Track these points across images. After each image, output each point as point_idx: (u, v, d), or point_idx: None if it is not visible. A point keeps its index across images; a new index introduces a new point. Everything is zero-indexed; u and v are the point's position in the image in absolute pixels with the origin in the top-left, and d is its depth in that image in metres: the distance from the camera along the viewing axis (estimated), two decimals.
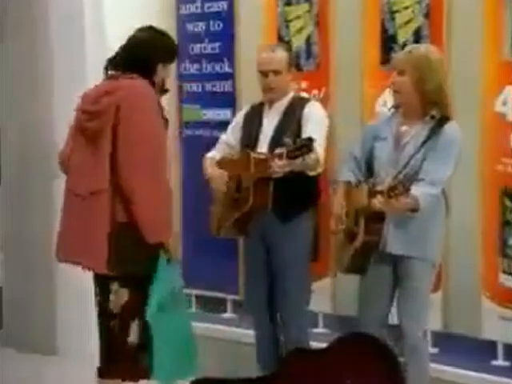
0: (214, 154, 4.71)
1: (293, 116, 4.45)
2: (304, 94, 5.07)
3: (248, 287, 4.73)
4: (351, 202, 4.14)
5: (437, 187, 3.93)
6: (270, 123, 4.52)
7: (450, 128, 3.99)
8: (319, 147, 4.21)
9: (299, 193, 4.40)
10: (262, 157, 4.33)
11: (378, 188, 3.91)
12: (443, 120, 4.00)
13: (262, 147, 4.47)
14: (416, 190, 3.84)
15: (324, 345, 4.63)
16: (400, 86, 4.04)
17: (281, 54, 4.47)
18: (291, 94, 4.56)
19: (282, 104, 4.52)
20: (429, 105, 4.00)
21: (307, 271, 4.59)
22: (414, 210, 3.91)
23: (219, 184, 4.50)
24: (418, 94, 3.99)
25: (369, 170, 4.20)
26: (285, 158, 4.02)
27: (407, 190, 3.76)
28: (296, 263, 4.49)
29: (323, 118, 4.47)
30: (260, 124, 4.54)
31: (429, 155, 3.93)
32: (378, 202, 3.88)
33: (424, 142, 3.95)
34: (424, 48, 4.13)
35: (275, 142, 4.39)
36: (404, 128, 4.07)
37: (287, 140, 4.09)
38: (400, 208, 3.88)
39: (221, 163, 4.63)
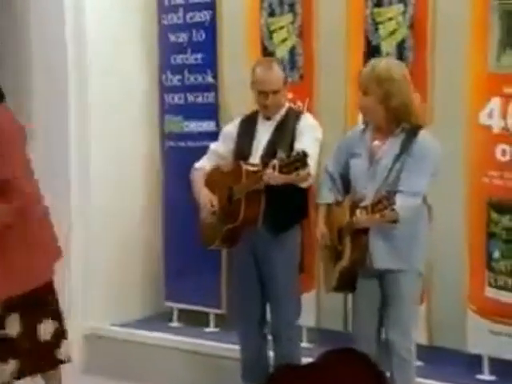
0: (203, 164, 4.64)
1: (286, 128, 4.41)
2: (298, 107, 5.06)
3: (239, 302, 4.65)
4: (334, 221, 4.12)
5: (416, 198, 3.93)
6: (263, 135, 4.47)
7: (423, 137, 4.00)
8: (311, 160, 4.16)
9: (290, 206, 4.36)
10: (254, 169, 4.29)
11: (362, 204, 3.90)
12: (415, 130, 4.00)
13: (255, 159, 4.42)
14: (396, 201, 3.82)
15: (309, 359, 4.56)
16: (366, 106, 4.04)
17: (278, 73, 4.43)
18: (286, 106, 4.52)
19: (276, 116, 4.48)
20: (397, 118, 4.01)
21: (297, 284, 4.54)
22: (394, 221, 3.91)
23: (206, 211, 4.46)
24: (384, 110, 3.99)
25: (345, 186, 4.19)
26: (277, 171, 3.97)
27: (392, 204, 3.75)
28: (286, 276, 4.44)
29: (316, 130, 4.43)
30: (253, 135, 4.50)
31: (405, 167, 3.93)
32: (361, 219, 3.87)
33: (398, 155, 3.96)
34: (385, 63, 4.09)
35: (268, 153, 4.35)
36: (376, 143, 4.07)
37: (281, 153, 4.05)
38: (382, 222, 3.88)
39: (211, 174, 4.57)
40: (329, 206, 4.18)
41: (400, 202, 3.82)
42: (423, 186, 3.95)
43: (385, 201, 3.74)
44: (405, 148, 3.95)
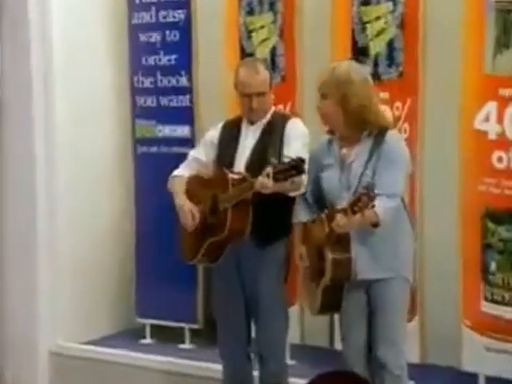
0: (182, 172, 4.40)
1: (273, 134, 4.21)
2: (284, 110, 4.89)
3: (221, 319, 4.39)
4: (312, 239, 3.99)
5: (394, 200, 3.83)
6: (248, 140, 4.26)
7: (391, 138, 3.92)
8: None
9: (279, 217, 4.14)
10: (241, 176, 4.07)
11: (339, 207, 3.77)
12: (382, 132, 3.92)
13: (239, 166, 4.19)
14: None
15: (293, 379, 4.47)
16: (325, 110, 3.94)
17: (264, 75, 4.23)
18: (271, 110, 4.29)
19: (262, 121, 4.26)
20: (357, 122, 3.91)
21: (284, 301, 4.32)
22: (375, 224, 3.79)
23: (188, 221, 4.21)
24: (342, 113, 3.90)
25: (319, 203, 4.06)
26: (271, 179, 3.77)
27: (372, 200, 3.61)
28: (273, 293, 4.22)
29: (305, 136, 4.23)
30: (237, 141, 4.28)
31: (377, 170, 3.84)
32: (341, 221, 3.71)
33: (368, 159, 3.88)
34: (346, 65, 4.00)
35: (254, 160, 4.15)
36: (345, 150, 3.97)
37: (273, 160, 3.84)
38: (364, 222, 3.74)
39: (191, 182, 4.33)
40: (305, 225, 4.05)
41: (379, 204, 3.70)
42: (399, 187, 3.88)
43: (364, 198, 3.61)
44: (374, 151, 3.88)
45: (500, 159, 4.40)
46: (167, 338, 5.55)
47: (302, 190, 4.02)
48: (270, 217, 4.10)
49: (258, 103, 4.17)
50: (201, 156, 4.38)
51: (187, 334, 5.49)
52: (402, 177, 3.88)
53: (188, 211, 4.20)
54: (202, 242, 4.17)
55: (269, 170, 3.78)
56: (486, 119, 4.42)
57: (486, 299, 4.47)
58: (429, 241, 4.67)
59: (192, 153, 4.46)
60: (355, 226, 3.77)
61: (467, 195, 4.53)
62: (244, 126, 4.28)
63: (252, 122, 4.26)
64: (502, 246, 4.42)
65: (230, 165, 4.19)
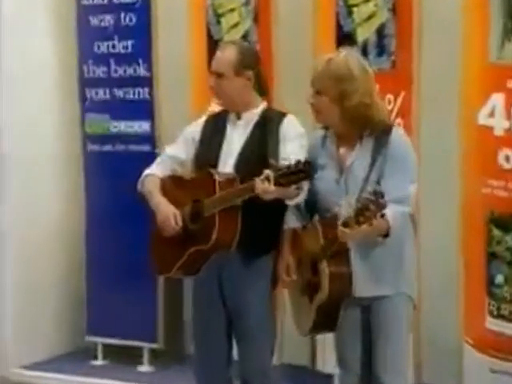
0: (155, 171, 3.95)
1: (268, 131, 3.80)
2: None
3: (199, 338, 3.95)
4: (304, 251, 3.66)
5: (405, 205, 3.50)
6: (236, 137, 3.85)
7: (396, 137, 3.59)
8: None
9: (269, 226, 3.73)
10: (230, 177, 3.66)
11: (342, 218, 3.40)
12: (385, 132, 3.59)
13: (225, 166, 3.77)
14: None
15: None
16: (319, 106, 3.60)
17: (228, 57, 3.83)
18: (262, 105, 3.89)
19: (251, 116, 3.86)
20: (355, 120, 3.58)
21: (272, 319, 3.89)
22: (385, 235, 3.44)
23: (170, 223, 3.74)
24: (339, 110, 3.57)
25: (309, 207, 3.73)
26: (272, 183, 3.39)
27: (382, 208, 3.25)
28: (260, 311, 3.79)
29: (302, 136, 3.84)
30: (223, 137, 3.86)
31: (385, 173, 3.52)
32: (344, 235, 3.35)
33: (372, 162, 3.55)
34: (343, 57, 3.65)
35: (243, 160, 3.74)
36: (343, 149, 3.64)
37: (273, 162, 3.47)
38: (372, 233, 3.38)
39: (167, 183, 3.88)
40: (295, 232, 3.71)
41: (389, 209, 3.33)
42: (410, 191, 3.53)
43: (372, 206, 3.25)
44: (378, 153, 3.54)
45: (507, 158, 4.19)
46: (123, 359, 5.27)
47: (302, 196, 3.61)
48: (260, 226, 3.67)
49: (216, 84, 3.79)
50: (179, 154, 3.92)
51: (146, 355, 5.22)
52: (412, 179, 3.54)
53: (171, 213, 3.74)
54: (181, 253, 3.72)
55: (268, 172, 3.39)
56: (492, 114, 4.23)
57: (491, 315, 4.28)
58: (426, 249, 4.40)
59: (168, 150, 4.01)
60: (361, 238, 3.39)
61: (470, 198, 4.35)
62: (230, 121, 3.85)
63: (239, 116, 3.81)
64: (510, 256, 4.21)
65: (214, 164, 3.76)
